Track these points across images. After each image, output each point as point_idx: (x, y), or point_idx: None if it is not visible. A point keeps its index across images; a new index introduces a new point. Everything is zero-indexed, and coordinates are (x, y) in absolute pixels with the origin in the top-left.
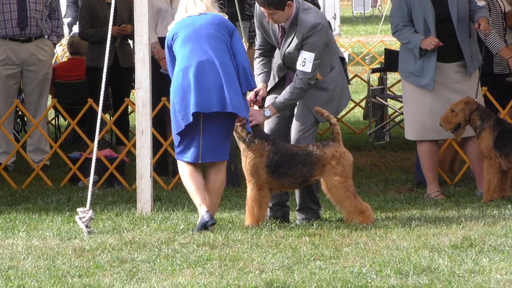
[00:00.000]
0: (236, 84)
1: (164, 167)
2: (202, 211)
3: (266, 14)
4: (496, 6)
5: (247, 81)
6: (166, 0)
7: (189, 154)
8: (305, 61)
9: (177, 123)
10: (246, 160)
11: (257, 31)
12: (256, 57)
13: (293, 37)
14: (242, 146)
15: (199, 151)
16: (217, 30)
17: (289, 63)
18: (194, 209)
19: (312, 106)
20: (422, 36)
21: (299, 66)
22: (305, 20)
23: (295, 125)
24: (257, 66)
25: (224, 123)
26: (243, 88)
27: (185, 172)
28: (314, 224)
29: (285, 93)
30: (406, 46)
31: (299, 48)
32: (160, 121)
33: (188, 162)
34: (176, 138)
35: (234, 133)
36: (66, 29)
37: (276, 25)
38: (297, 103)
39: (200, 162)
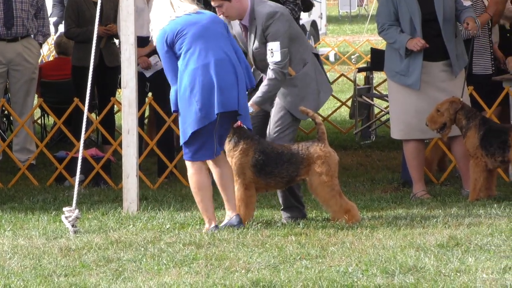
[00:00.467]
0: (243, 83)
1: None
2: (212, 227)
3: (216, 9)
4: (480, 5)
5: (250, 79)
6: None
7: (207, 152)
8: (273, 51)
9: (196, 121)
10: (232, 160)
11: None
12: None
13: (255, 31)
14: (228, 146)
15: (215, 147)
16: (221, 28)
17: (259, 62)
18: (180, 208)
19: (287, 104)
20: (408, 36)
21: (269, 58)
22: (261, 11)
23: (271, 126)
24: None
25: (231, 119)
26: (247, 86)
27: (200, 180)
28: (300, 224)
29: (262, 87)
30: (392, 46)
31: (264, 41)
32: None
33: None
34: (186, 137)
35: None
36: (52, 28)
37: (238, 27)
38: (274, 103)
39: (214, 157)
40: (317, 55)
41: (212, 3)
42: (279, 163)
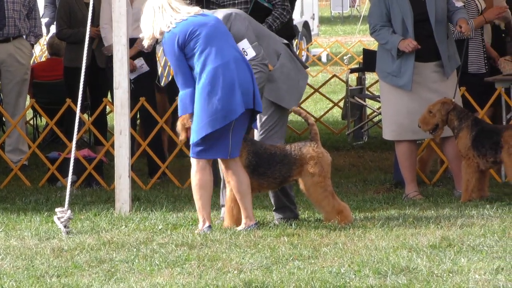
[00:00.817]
0: (255, 80)
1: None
2: (205, 227)
3: None
4: (472, 5)
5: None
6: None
7: (218, 152)
8: (245, 50)
9: (215, 120)
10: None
11: None
12: None
13: None
14: None
15: (229, 147)
16: (226, 28)
17: None
18: (172, 209)
19: (274, 97)
20: (400, 37)
21: (246, 57)
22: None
23: (259, 125)
24: None
25: (248, 119)
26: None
27: (203, 178)
28: (293, 224)
29: None
30: (384, 47)
31: None
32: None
33: (205, 160)
34: (199, 136)
35: None
36: (44, 29)
37: None
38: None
39: (228, 157)
40: (287, 44)
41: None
42: (272, 164)
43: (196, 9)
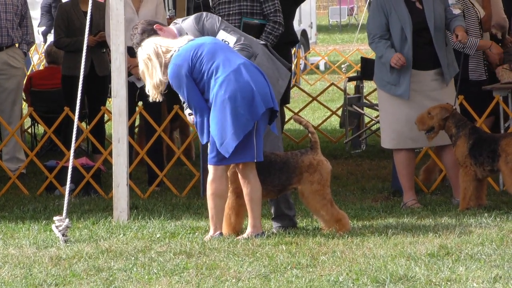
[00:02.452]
0: (268, 81)
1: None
2: (216, 234)
3: None
4: (472, 13)
5: None
6: (132, 9)
7: (244, 155)
8: (225, 39)
9: (240, 128)
10: None
11: None
12: None
13: None
14: None
15: (254, 150)
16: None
17: None
18: (170, 217)
19: None
20: (393, 52)
21: (230, 45)
22: (188, 23)
23: None
24: None
25: (265, 121)
26: None
27: (220, 187)
28: (291, 233)
29: None
30: (380, 60)
31: None
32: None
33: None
34: (232, 146)
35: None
36: (40, 38)
37: None
38: None
39: (255, 160)
40: (265, 45)
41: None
42: (271, 171)
43: (186, 38)
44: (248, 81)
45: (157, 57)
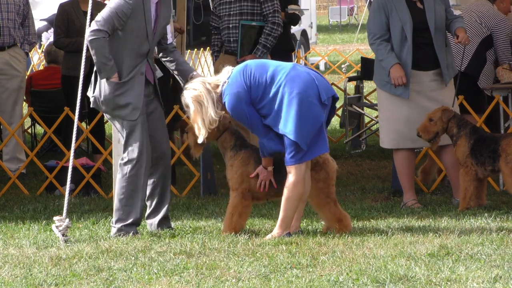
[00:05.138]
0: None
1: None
2: (285, 233)
3: None
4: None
5: None
6: None
7: (320, 148)
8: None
9: (317, 119)
10: (233, 169)
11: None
12: None
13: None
14: (229, 154)
15: (327, 141)
16: None
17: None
18: (170, 217)
19: None
20: (395, 60)
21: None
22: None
23: None
24: None
25: (327, 111)
26: None
27: (302, 192)
28: (291, 233)
29: None
30: (379, 63)
31: None
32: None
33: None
34: (307, 140)
35: (218, 143)
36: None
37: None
38: None
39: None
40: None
41: None
42: (279, 172)
43: (229, 69)
44: (308, 73)
45: (209, 93)
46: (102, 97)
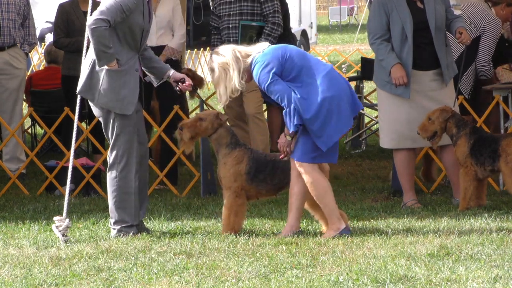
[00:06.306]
0: None
1: (175, 176)
2: (342, 226)
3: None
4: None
5: None
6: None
7: (332, 156)
8: None
9: (347, 122)
10: (226, 167)
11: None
12: None
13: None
14: (222, 152)
15: (337, 151)
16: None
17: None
18: (170, 217)
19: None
20: (396, 59)
21: None
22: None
23: None
24: None
25: None
26: None
27: (324, 184)
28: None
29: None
30: (380, 62)
31: None
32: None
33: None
34: (329, 144)
35: (211, 140)
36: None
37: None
38: None
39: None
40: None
41: None
42: (271, 170)
43: (265, 44)
44: (344, 80)
45: (236, 62)
46: (99, 87)
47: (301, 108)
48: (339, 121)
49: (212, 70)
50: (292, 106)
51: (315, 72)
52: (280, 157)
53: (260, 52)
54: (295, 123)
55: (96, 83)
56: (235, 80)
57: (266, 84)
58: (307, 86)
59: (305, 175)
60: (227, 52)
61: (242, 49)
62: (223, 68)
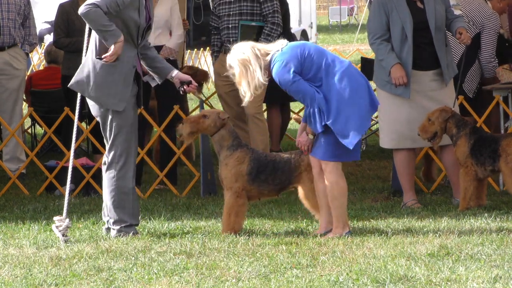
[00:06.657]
0: None
1: (174, 176)
2: (346, 232)
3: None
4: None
5: None
6: None
7: (355, 153)
8: None
9: (368, 115)
10: (227, 168)
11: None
12: None
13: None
14: (224, 153)
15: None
16: None
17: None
18: (170, 217)
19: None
20: (396, 59)
21: None
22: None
23: None
24: None
25: None
26: None
27: (345, 186)
28: (291, 233)
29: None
30: (380, 62)
31: None
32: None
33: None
34: (353, 143)
35: (213, 140)
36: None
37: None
38: None
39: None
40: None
41: None
42: (273, 171)
43: (284, 41)
44: (361, 75)
45: (256, 59)
46: (91, 80)
47: (324, 109)
48: (360, 118)
49: (230, 66)
50: (316, 106)
51: (334, 69)
52: (304, 153)
53: (279, 50)
54: (322, 123)
55: (88, 77)
56: (259, 75)
57: (288, 85)
58: (327, 85)
59: (329, 174)
60: (246, 50)
61: (261, 46)
62: (243, 64)
